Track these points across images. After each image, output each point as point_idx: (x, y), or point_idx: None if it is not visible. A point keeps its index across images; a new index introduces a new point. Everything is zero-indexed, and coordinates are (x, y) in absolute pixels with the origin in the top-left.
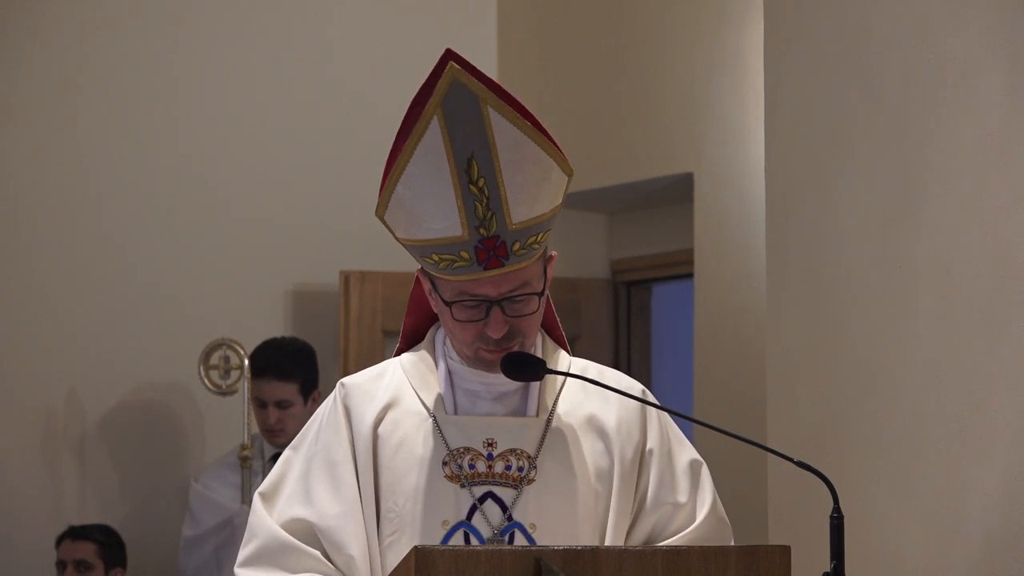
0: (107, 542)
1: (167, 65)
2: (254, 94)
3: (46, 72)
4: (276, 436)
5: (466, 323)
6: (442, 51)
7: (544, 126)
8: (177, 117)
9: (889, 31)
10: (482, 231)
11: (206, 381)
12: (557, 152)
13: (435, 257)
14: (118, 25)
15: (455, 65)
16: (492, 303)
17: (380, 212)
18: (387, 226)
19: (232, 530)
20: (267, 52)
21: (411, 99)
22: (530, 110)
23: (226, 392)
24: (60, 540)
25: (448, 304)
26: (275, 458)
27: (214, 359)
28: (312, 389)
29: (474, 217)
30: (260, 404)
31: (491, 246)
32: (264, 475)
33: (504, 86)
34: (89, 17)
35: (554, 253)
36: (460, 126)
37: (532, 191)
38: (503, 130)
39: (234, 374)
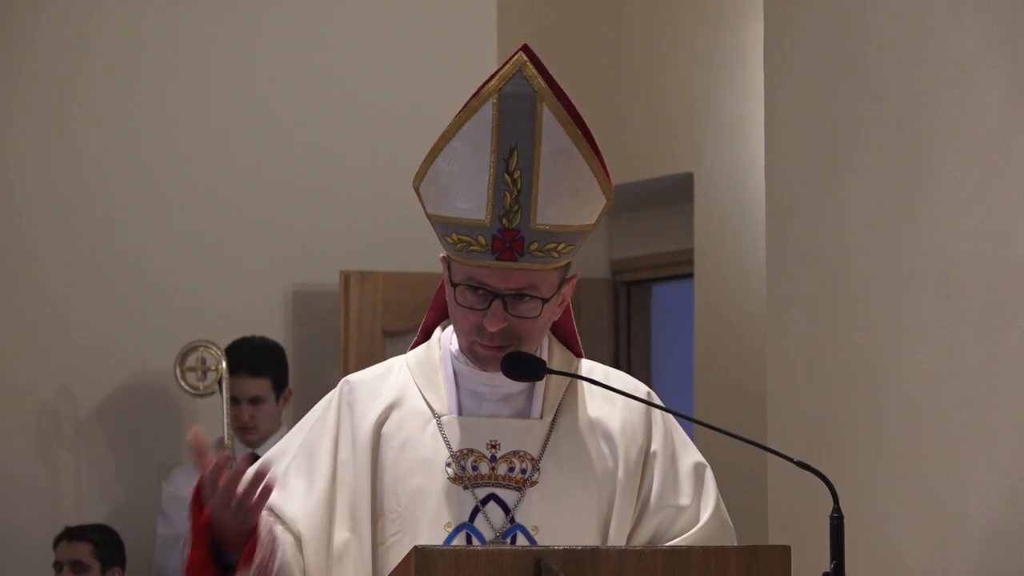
0: (103, 542)
1: (167, 64)
2: (254, 94)
3: (46, 67)
4: (248, 433)
5: (466, 310)
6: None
7: (598, 146)
8: (177, 118)
9: (889, 31)
10: (504, 221)
11: (183, 383)
12: (602, 172)
13: (455, 236)
14: (118, 25)
15: (523, 55)
16: (496, 296)
17: (416, 182)
18: (420, 198)
19: None
20: (267, 52)
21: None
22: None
23: (203, 394)
24: (57, 541)
25: (454, 285)
26: (246, 458)
27: (190, 361)
28: (283, 387)
29: (500, 206)
30: (234, 401)
31: (509, 239)
32: None
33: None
34: (89, 17)
35: (576, 275)
36: (512, 115)
37: (565, 199)
38: (552, 131)
39: (211, 375)
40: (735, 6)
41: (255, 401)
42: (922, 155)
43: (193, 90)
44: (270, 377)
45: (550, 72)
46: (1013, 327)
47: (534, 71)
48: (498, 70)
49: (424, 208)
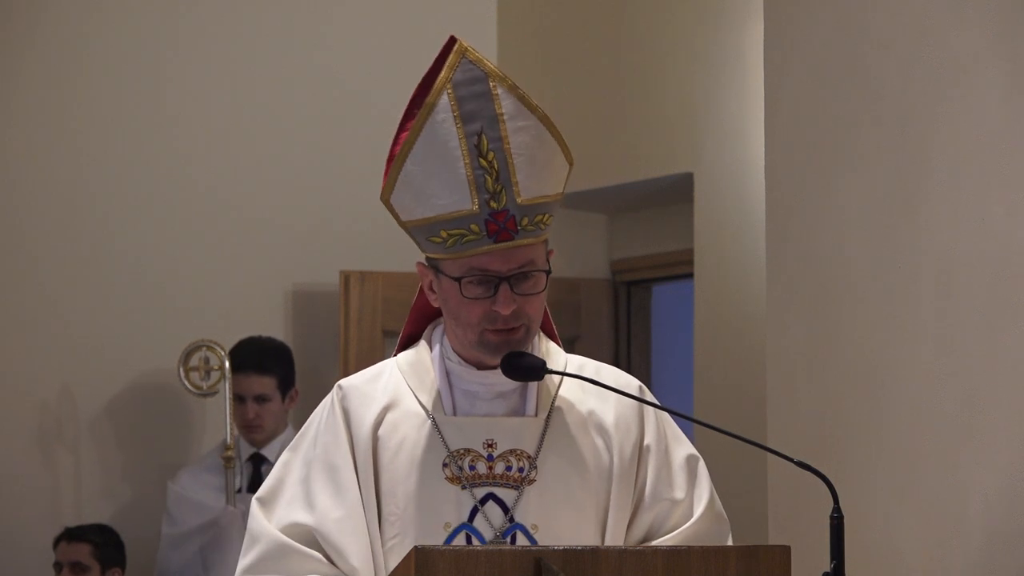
0: (103, 543)
1: (167, 64)
2: (254, 94)
3: (46, 67)
4: (253, 432)
5: (474, 301)
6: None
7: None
8: (177, 118)
9: (889, 31)
10: (492, 204)
11: (186, 383)
12: (560, 138)
13: (443, 234)
14: (118, 25)
15: (463, 43)
16: (501, 279)
17: (385, 195)
18: (392, 210)
19: (218, 531)
20: (267, 52)
21: (409, 98)
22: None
23: (207, 393)
24: (57, 541)
25: (457, 280)
26: (253, 458)
27: (194, 360)
28: (289, 387)
29: (484, 190)
30: (239, 399)
31: (501, 219)
32: (243, 476)
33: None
34: (89, 17)
35: (552, 249)
36: (470, 101)
37: (539, 170)
38: (512, 107)
39: (214, 375)
40: (735, 6)
41: (260, 400)
42: (922, 155)
43: (193, 90)
44: (275, 375)
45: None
46: (1013, 327)
47: (476, 54)
48: (440, 62)
49: (398, 219)
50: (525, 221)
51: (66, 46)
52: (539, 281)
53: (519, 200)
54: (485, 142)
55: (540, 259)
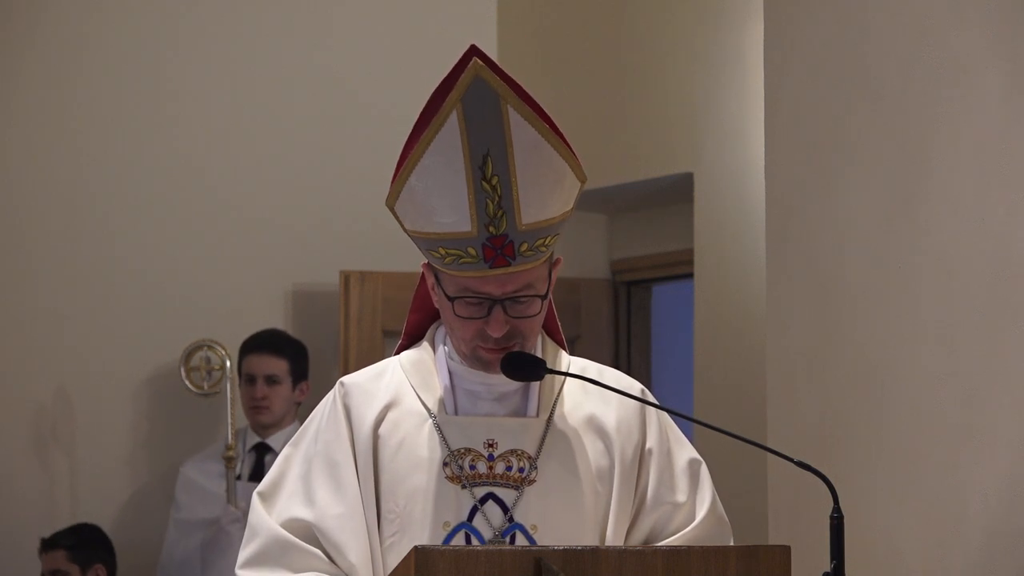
0: (74, 544)
1: (166, 64)
2: (254, 94)
3: (45, 68)
4: (260, 413)
5: (467, 320)
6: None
7: (561, 131)
8: (176, 118)
9: (889, 31)
10: (491, 229)
11: (187, 383)
12: (572, 157)
13: (441, 251)
14: (118, 25)
15: (479, 61)
16: (495, 302)
17: (391, 201)
18: (396, 216)
19: (218, 531)
20: (267, 52)
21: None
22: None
23: (208, 393)
24: (40, 553)
25: (451, 299)
26: (257, 447)
27: (195, 360)
28: (301, 379)
29: (484, 215)
30: (249, 380)
31: (499, 245)
32: (244, 463)
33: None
34: (89, 17)
35: (560, 258)
36: (478, 122)
37: (545, 193)
38: (521, 130)
39: (215, 375)
40: (735, 6)
41: (270, 380)
42: (922, 155)
43: (193, 90)
44: (288, 360)
45: (503, 69)
46: (1013, 327)
47: (490, 73)
48: (455, 79)
49: (403, 226)
50: (524, 247)
51: (66, 46)
52: (533, 305)
53: (520, 226)
54: (491, 165)
55: (539, 282)
